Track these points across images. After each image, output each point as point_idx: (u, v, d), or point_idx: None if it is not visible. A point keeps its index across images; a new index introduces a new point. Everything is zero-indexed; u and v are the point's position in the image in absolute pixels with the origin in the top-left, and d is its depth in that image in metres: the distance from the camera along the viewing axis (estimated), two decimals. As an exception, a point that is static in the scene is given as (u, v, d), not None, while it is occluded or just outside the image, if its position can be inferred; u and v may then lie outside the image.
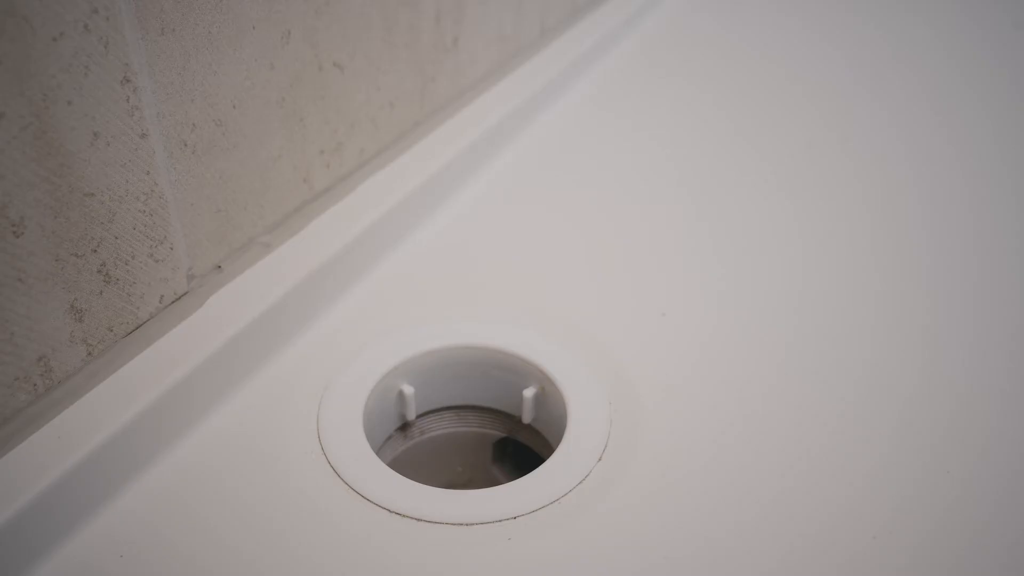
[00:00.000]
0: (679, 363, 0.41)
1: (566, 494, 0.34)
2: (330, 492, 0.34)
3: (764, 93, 0.71)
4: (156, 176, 0.35)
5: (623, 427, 0.37)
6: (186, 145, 0.37)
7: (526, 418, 0.40)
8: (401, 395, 0.40)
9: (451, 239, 0.50)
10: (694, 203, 0.55)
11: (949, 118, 0.67)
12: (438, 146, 0.53)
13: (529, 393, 0.38)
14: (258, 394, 0.38)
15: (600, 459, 0.36)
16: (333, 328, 0.41)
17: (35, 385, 0.32)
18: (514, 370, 0.40)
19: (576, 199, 0.55)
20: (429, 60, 0.54)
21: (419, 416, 0.41)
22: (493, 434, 0.42)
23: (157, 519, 0.32)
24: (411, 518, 0.33)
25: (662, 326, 0.43)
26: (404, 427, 0.41)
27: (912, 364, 0.41)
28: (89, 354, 0.35)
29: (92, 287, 0.34)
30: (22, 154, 0.29)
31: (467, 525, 0.33)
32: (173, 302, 0.38)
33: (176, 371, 0.35)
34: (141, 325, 0.37)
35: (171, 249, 0.37)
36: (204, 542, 0.31)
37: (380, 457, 0.36)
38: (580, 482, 0.34)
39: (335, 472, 0.34)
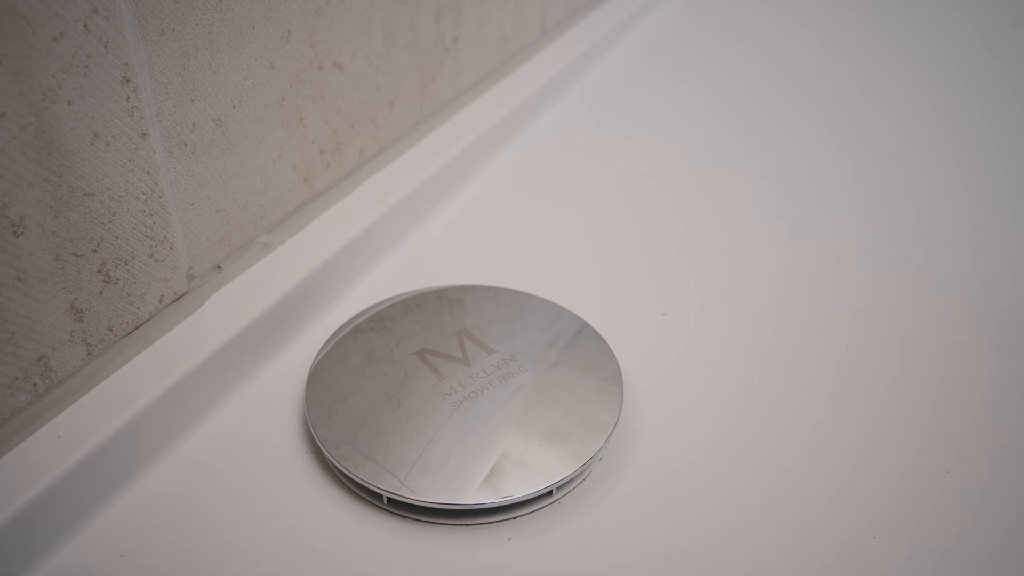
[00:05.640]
0: (679, 363, 0.41)
1: (566, 494, 0.34)
2: (330, 492, 0.34)
3: (764, 93, 0.71)
4: (156, 176, 0.35)
5: (623, 427, 0.37)
6: (186, 145, 0.37)
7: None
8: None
9: (451, 239, 0.50)
10: (693, 203, 0.55)
11: (949, 118, 0.67)
12: (438, 146, 0.53)
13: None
14: (258, 394, 0.38)
15: (600, 459, 0.36)
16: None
17: (35, 385, 0.33)
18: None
19: (575, 200, 0.55)
20: (429, 60, 0.54)
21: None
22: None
23: (157, 519, 0.32)
24: (411, 518, 0.33)
25: (662, 326, 0.43)
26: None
27: (912, 363, 0.41)
28: (89, 354, 0.35)
29: (92, 287, 0.34)
30: (22, 154, 0.29)
31: (467, 525, 0.33)
32: (173, 302, 0.38)
33: (176, 371, 0.35)
34: (141, 325, 0.37)
35: (171, 249, 0.37)
36: (204, 542, 0.31)
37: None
38: (580, 482, 0.34)
39: (335, 472, 0.34)
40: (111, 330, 0.35)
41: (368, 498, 0.33)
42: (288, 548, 0.31)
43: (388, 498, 0.32)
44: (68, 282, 0.32)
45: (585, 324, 0.40)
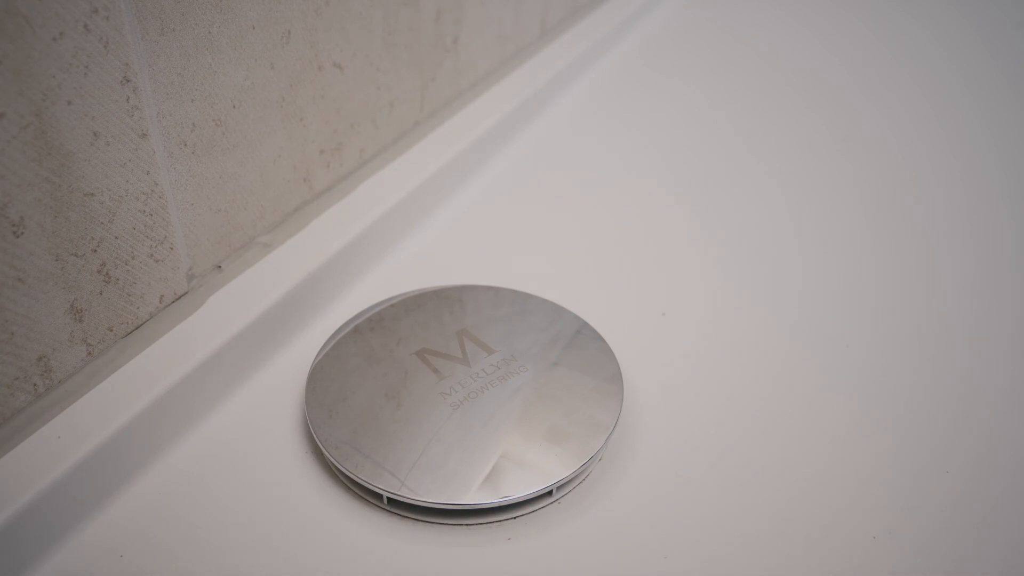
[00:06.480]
0: (679, 363, 0.41)
1: (566, 494, 0.34)
2: (330, 492, 0.34)
3: (764, 94, 0.71)
4: (156, 176, 0.35)
5: (623, 427, 0.37)
6: (186, 145, 0.37)
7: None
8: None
9: (451, 239, 0.50)
10: (694, 203, 0.55)
11: (949, 118, 0.67)
12: (438, 146, 0.53)
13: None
14: (258, 394, 0.38)
15: (600, 459, 0.36)
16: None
17: (35, 385, 0.33)
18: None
19: (575, 200, 0.55)
20: (429, 60, 0.54)
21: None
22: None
23: (157, 519, 0.32)
24: (411, 518, 0.33)
25: (662, 326, 0.43)
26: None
27: (912, 364, 0.41)
28: (89, 354, 0.35)
29: (92, 287, 0.34)
30: (22, 154, 0.29)
31: (467, 525, 0.33)
32: (173, 302, 0.38)
33: (176, 371, 0.35)
34: (141, 325, 0.37)
35: (171, 249, 0.37)
36: (204, 541, 0.31)
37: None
38: (580, 482, 0.34)
39: (335, 472, 0.34)
40: (111, 330, 0.35)
41: (368, 498, 0.33)
42: (288, 548, 0.31)
43: (388, 498, 0.33)
44: (68, 282, 0.32)
45: (585, 324, 0.40)
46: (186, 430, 0.36)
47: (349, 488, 0.34)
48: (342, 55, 0.45)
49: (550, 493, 0.33)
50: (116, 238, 0.34)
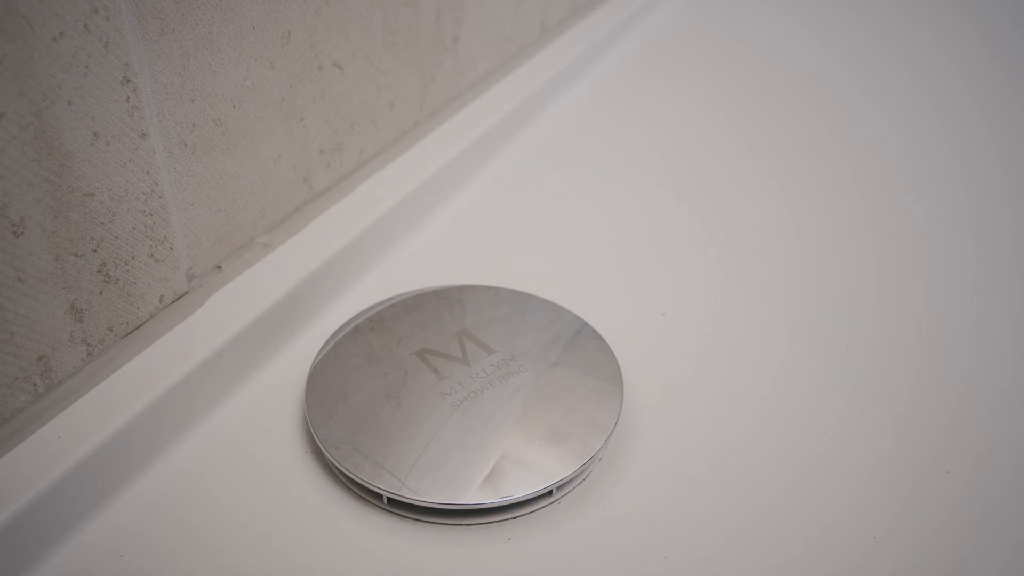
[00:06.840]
0: (679, 363, 0.41)
1: (566, 494, 0.34)
2: (330, 492, 0.34)
3: (764, 94, 0.71)
4: (156, 176, 0.35)
5: (623, 427, 0.37)
6: (186, 145, 0.37)
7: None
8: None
9: (451, 239, 0.50)
10: (694, 203, 0.55)
11: (949, 118, 0.67)
12: (438, 146, 0.53)
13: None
14: (258, 394, 0.38)
15: (600, 459, 0.36)
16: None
17: (35, 385, 0.33)
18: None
19: (575, 200, 0.55)
20: (429, 60, 0.54)
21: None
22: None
23: (157, 519, 0.32)
24: (411, 518, 0.33)
25: (662, 326, 0.43)
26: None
27: (912, 364, 0.41)
28: (89, 354, 0.35)
29: (92, 287, 0.34)
30: (22, 154, 0.29)
31: (467, 525, 0.33)
32: (173, 302, 0.38)
33: (176, 371, 0.35)
34: (141, 325, 0.37)
35: (171, 249, 0.37)
36: (204, 541, 0.31)
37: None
38: (580, 482, 0.34)
39: (335, 472, 0.34)
40: (111, 330, 0.35)
41: (368, 498, 0.33)
42: (288, 548, 0.31)
43: (388, 498, 0.33)
44: (68, 282, 0.32)
45: (585, 324, 0.40)
46: (186, 430, 0.36)
47: (349, 488, 0.34)
48: (342, 55, 0.45)
49: (550, 493, 0.33)
50: (116, 238, 0.34)
